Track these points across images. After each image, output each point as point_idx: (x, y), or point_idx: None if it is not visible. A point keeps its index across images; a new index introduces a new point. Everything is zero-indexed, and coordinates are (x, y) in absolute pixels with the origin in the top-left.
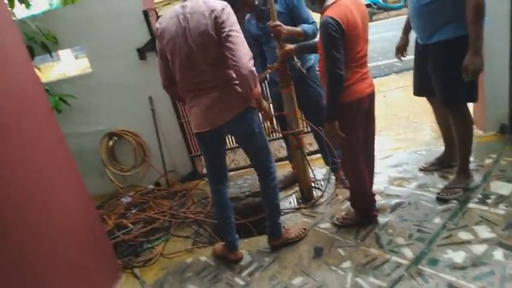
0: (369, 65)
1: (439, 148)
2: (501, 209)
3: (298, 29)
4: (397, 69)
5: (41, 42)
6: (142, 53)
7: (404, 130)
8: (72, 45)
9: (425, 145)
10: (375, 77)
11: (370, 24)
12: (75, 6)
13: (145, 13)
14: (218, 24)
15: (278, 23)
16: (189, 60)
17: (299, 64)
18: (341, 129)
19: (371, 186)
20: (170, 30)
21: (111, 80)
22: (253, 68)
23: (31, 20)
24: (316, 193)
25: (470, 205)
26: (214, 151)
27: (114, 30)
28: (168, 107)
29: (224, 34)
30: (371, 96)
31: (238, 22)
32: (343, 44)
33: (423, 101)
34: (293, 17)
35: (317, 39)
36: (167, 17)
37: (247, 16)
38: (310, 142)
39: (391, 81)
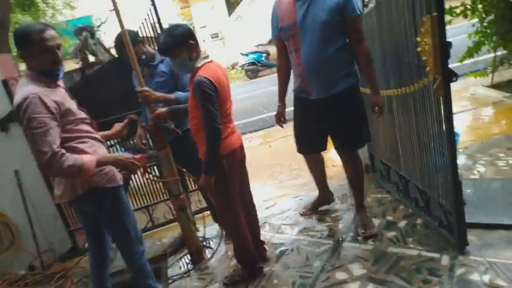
0: (256, 117)
1: (315, 193)
2: (370, 244)
3: (170, 96)
4: None
5: None
6: (3, 124)
7: (286, 177)
8: None
9: (304, 190)
10: (262, 129)
11: (255, 80)
12: None
13: (5, 82)
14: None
15: (145, 88)
16: None
17: (172, 126)
18: (217, 182)
19: (256, 238)
20: None
21: None
22: (54, 163)
23: None
24: (207, 253)
25: (345, 244)
26: (88, 223)
27: None
28: (38, 180)
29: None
30: (242, 147)
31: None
32: (217, 100)
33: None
34: (176, 80)
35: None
36: None
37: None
38: (199, 199)
39: (275, 131)
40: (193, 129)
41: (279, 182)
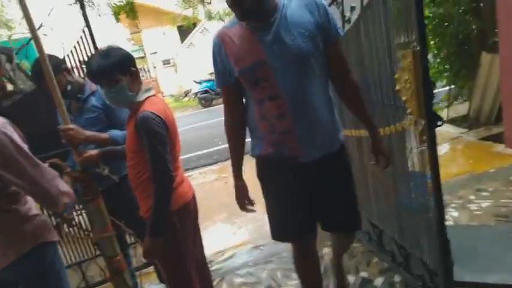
0: (211, 149)
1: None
2: None
3: (103, 135)
4: None
5: None
6: None
7: (245, 221)
8: None
9: (266, 238)
10: (217, 162)
11: (209, 109)
12: None
13: None
14: None
15: (70, 126)
16: None
17: (106, 171)
18: (166, 243)
19: None
20: None
21: None
22: None
23: None
24: None
25: None
26: None
27: None
28: None
29: None
30: (194, 199)
31: None
32: (168, 142)
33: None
34: (110, 116)
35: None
36: None
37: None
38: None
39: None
40: (134, 179)
41: (237, 226)
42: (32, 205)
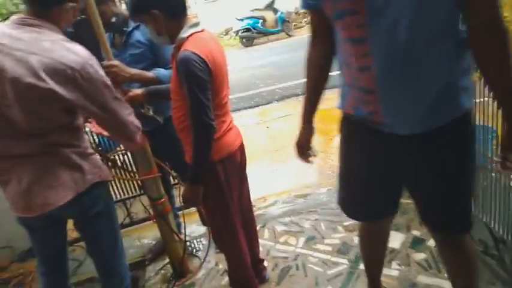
0: (252, 91)
1: (322, 190)
2: (395, 269)
3: (148, 73)
4: (279, 97)
5: None
6: None
7: (288, 169)
8: None
9: (310, 187)
10: (258, 105)
11: (250, 49)
12: None
13: None
14: None
15: (114, 62)
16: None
17: (151, 111)
18: (210, 193)
19: (255, 256)
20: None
21: None
22: None
23: None
24: (193, 262)
25: (362, 265)
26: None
27: None
28: None
29: None
30: (241, 148)
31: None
32: (210, 86)
33: None
34: (156, 52)
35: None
36: None
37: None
38: None
39: (274, 109)
40: (177, 123)
41: (279, 174)
42: (88, 143)
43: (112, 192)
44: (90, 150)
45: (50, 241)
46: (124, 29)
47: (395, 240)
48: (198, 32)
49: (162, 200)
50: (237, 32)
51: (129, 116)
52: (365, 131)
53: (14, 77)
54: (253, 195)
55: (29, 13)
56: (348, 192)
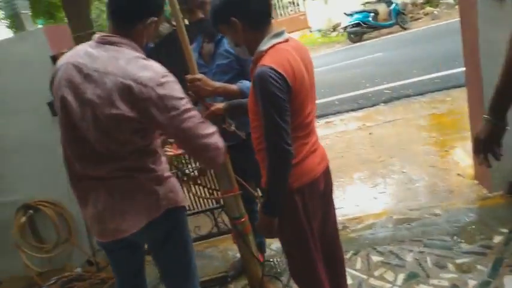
0: (356, 92)
1: (432, 216)
2: None
3: (233, 86)
4: (386, 98)
5: None
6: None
7: (391, 183)
8: None
9: (417, 209)
10: (362, 108)
11: (358, 44)
12: None
13: (54, 59)
14: None
15: (198, 76)
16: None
17: (233, 127)
18: (285, 225)
19: None
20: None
21: (21, 141)
22: None
23: None
24: (275, 286)
25: None
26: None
27: (19, 80)
28: None
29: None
30: (326, 173)
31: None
32: (289, 106)
33: (413, 140)
34: (243, 63)
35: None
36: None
37: (193, 46)
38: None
39: (379, 113)
40: (256, 144)
41: (379, 189)
42: (165, 167)
43: (199, 202)
44: (167, 174)
45: (127, 264)
46: (214, 35)
47: None
48: (281, 42)
49: (243, 219)
50: (345, 28)
51: (210, 138)
52: None
53: (92, 101)
54: (346, 214)
55: (111, 30)
56: None
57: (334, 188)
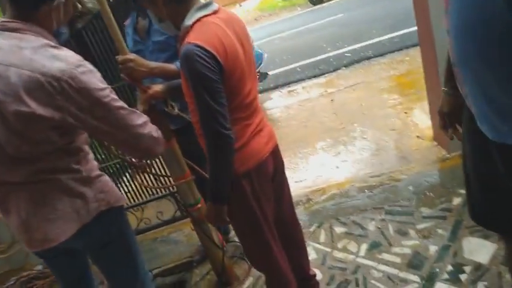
0: (317, 57)
1: (395, 181)
2: None
3: (170, 66)
4: (347, 62)
5: None
6: None
7: (352, 151)
8: None
9: (377, 175)
10: (323, 74)
11: (319, 6)
12: None
13: None
14: None
15: (130, 56)
16: None
17: (176, 109)
18: (236, 211)
19: (303, 271)
20: None
21: None
22: None
23: None
24: (241, 268)
25: (438, 285)
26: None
27: None
28: None
29: None
30: (275, 153)
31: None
32: (223, 87)
33: (374, 104)
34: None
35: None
36: None
37: (127, 21)
38: None
39: (340, 78)
40: (197, 128)
41: (342, 158)
42: (93, 165)
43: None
44: (96, 173)
45: (67, 270)
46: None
47: (482, 251)
48: (208, 15)
49: (199, 205)
50: None
51: (143, 128)
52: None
53: None
54: (309, 185)
55: (12, 15)
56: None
57: (298, 159)
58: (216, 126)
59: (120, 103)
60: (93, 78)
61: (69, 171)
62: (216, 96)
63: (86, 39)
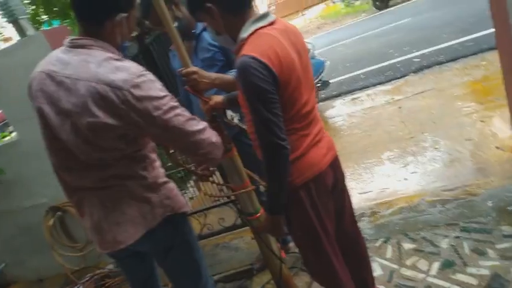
0: (383, 63)
1: (471, 195)
2: None
3: (229, 76)
4: (416, 67)
5: None
6: None
7: (423, 163)
8: None
9: (451, 189)
10: (390, 80)
11: (385, 11)
12: None
13: None
14: None
15: (193, 68)
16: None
17: (236, 120)
18: (294, 223)
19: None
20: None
21: (41, 145)
22: None
23: None
24: (302, 279)
25: None
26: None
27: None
28: None
29: None
30: (334, 164)
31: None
32: (278, 98)
33: (446, 112)
34: (228, 54)
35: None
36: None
37: (173, 46)
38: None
39: (408, 84)
40: (253, 138)
41: (411, 169)
42: (160, 172)
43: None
44: (162, 180)
45: (136, 271)
46: (192, 32)
47: None
48: (264, 26)
49: (258, 214)
50: None
51: (202, 134)
52: None
53: (68, 110)
54: (375, 198)
55: (80, 32)
56: None
57: (362, 170)
58: (271, 136)
59: (180, 110)
60: (153, 87)
61: (137, 178)
62: (270, 107)
63: (153, 54)
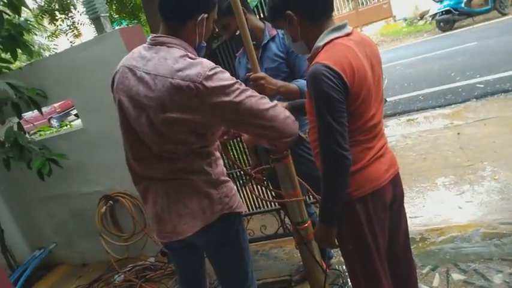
0: (444, 86)
1: None
2: None
3: (293, 85)
4: (479, 93)
5: (28, 97)
6: None
7: (480, 193)
8: (61, 99)
9: (509, 223)
10: (449, 104)
11: (449, 34)
12: (58, 56)
13: None
14: None
15: (261, 74)
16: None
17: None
18: (346, 236)
19: None
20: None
21: (104, 136)
22: None
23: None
24: None
25: None
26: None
27: (99, 80)
28: None
29: None
30: (395, 182)
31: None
32: (346, 107)
33: (509, 142)
34: (292, 65)
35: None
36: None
37: (239, 52)
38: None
39: (470, 110)
40: (313, 146)
41: (466, 198)
42: (223, 170)
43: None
44: (223, 178)
45: (187, 263)
46: (253, 42)
47: None
48: (341, 37)
49: (306, 225)
50: (433, 16)
51: (275, 109)
52: None
53: (145, 104)
54: (426, 223)
55: (162, 30)
56: None
57: (414, 193)
58: (333, 144)
59: (250, 92)
60: (223, 77)
61: (202, 173)
62: (337, 116)
63: (219, 58)
